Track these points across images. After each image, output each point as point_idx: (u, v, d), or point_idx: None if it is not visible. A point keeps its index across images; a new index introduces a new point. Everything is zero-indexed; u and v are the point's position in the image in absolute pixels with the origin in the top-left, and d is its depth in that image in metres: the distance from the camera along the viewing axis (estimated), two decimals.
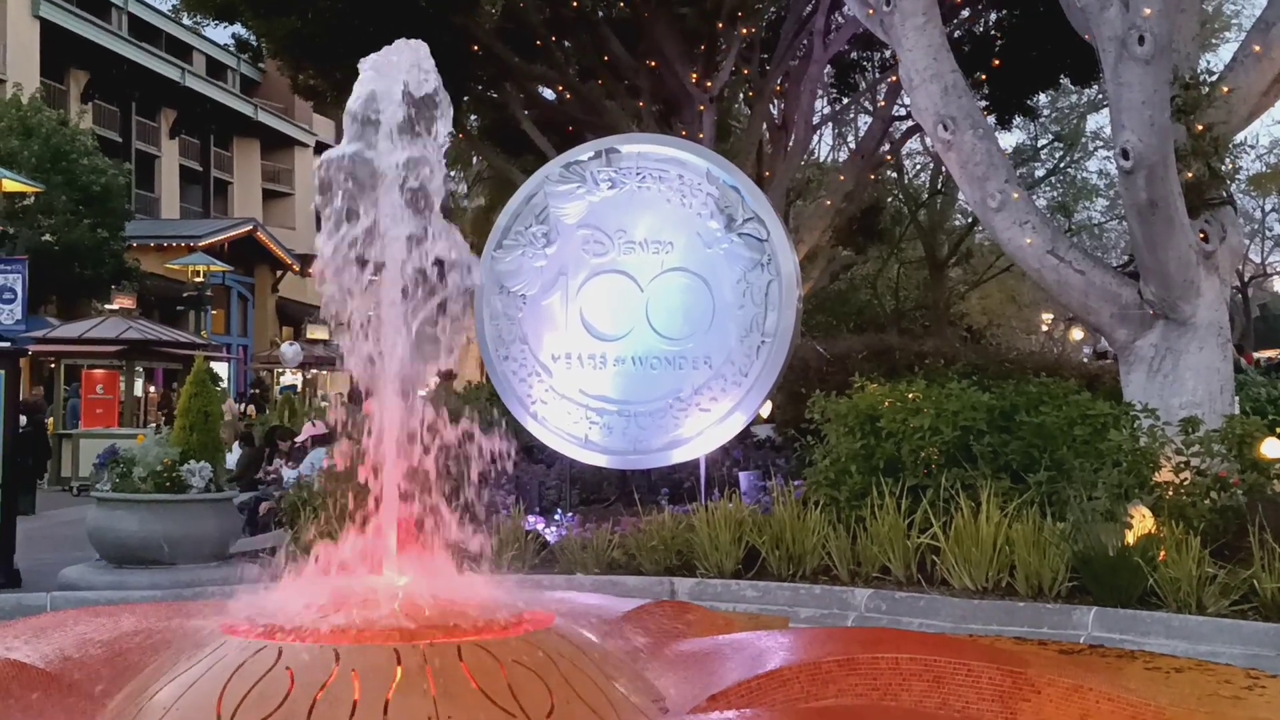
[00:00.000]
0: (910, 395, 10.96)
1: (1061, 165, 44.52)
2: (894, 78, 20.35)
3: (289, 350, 37.42)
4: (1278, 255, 50.80)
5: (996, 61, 22.16)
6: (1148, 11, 10.14)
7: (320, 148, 59.60)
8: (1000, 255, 34.38)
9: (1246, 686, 7.08)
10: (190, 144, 51.81)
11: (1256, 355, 35.93)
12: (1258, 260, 48.52)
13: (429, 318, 5.20)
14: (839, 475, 10.75)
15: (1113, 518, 9.13)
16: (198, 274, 35.59)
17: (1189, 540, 8.73)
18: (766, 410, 14.12)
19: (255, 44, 24.92)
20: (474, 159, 31.12)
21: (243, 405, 32.04)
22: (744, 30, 21.21)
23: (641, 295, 12.46)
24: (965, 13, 22.55)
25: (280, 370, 43.22)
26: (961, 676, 4.88)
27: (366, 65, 5.41)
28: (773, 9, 23.41)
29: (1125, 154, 10.31)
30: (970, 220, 38.15)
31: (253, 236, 45.44)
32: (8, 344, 12.27)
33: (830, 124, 34.52)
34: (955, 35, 20.89)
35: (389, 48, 5.41)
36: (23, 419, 15.45)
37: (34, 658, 5.03)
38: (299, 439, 16.69)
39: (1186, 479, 9.61)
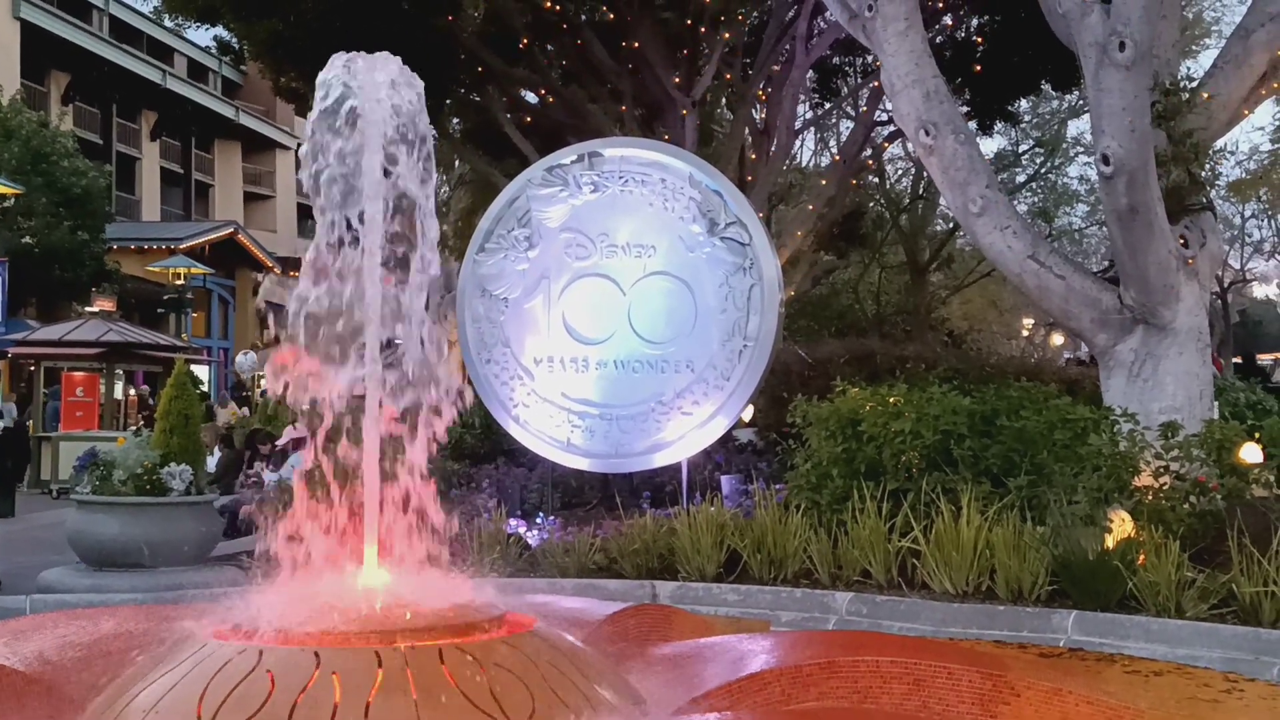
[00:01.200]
0: (891, 399, 10.97)
1: (1042, 171, 44.62)
2: (876, 83, 20.39)
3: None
4: (1257, 261, 50.98)
5: (978, 67, 22.25)
6: (1129, 18, 10.19)
7: None
8: (981, 260, 34.48)
9: (1225, 690, 7.13)
10: (171, 146, 51.67)
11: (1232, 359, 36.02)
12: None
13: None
14: (820, 479, 10.76)
15: (1092, 522, 9.15)
16: (178, 276, 35.49)
17: (1168, 544, 8.76)
18: (748, 414, 14.15)
19: (237, 46, 24.83)
20: (456, 162, 31.05)
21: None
22: (726, 35, 21.22)
23: (624, 299, 12.47)
24: (947, 18, 22.62)
25: (260, 374, 43.12)
26: (942, 679, 4.90)
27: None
28: (755, 14, 23.44)
29: (1106, 159, 10.36)
30: (951, 225, 38.20)
31: (234, 239, 45.30)
32: None
33: (812, 129, 34.56)
34: (937, 41, 20.94)
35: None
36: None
37: (13, 660, 5.01)
38: (280, 442, 16.65)
39: (1166, 483, 9.64)
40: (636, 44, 20.87)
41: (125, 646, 5.26)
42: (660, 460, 12.34)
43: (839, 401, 11.28)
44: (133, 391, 28.77)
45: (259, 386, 40.86)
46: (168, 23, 41.69)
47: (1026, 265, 11.64)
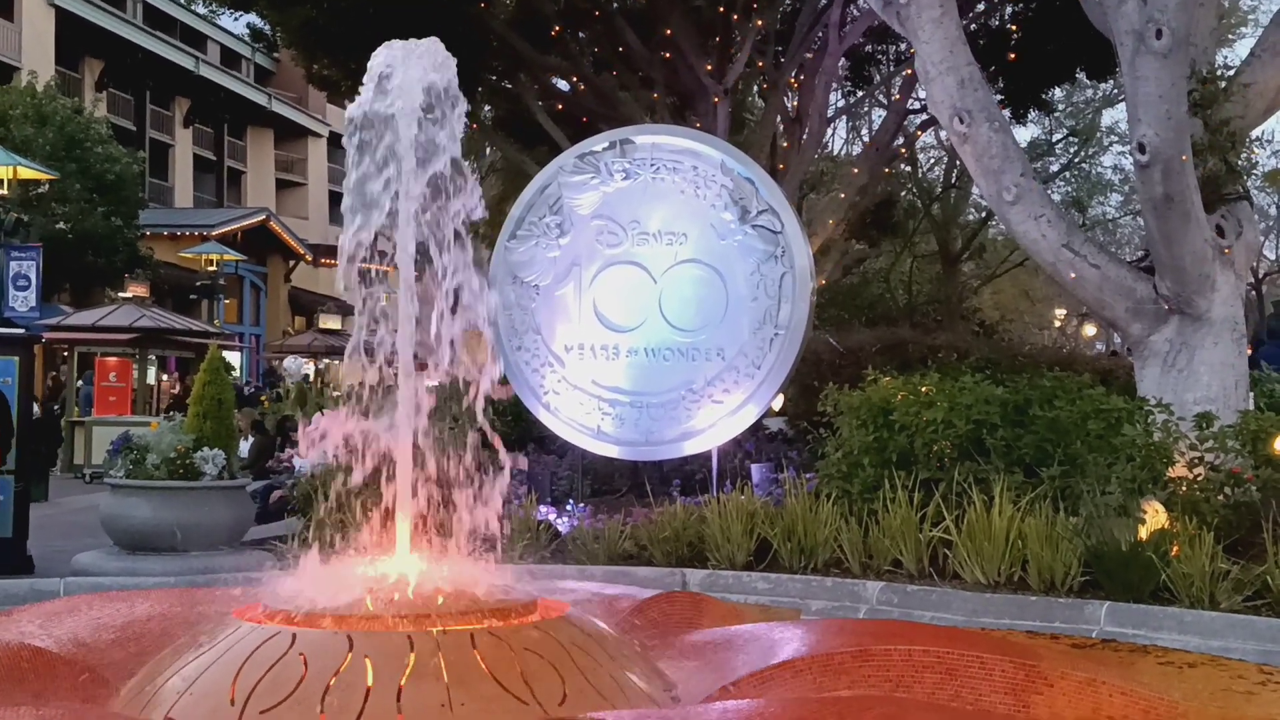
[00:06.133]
0: (923, 389, 10.92)
1: (1076, 160, 44.40)
2: (909, 71, 20.32)
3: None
4: None
5: (1012, 55, 22.11)
6: (1166, 5, 10.10)
7: (334, 138, 59.76)
8: (1014, 250, 34.34)
9: (1260, 682, 7.06)
10: (204, 133, 51.92)
11: None
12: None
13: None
14: (851, 468, 10.71)
15: (1126, 512, 9.09)
16: (211, 263, 35.67)
17: (1202, 535, 8.70)
18: (779, 403, 14.11)
19: (269, 33, 24.92)
20: (487, 149, 31.07)
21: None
22: (759, 22, 21.14)
23: (655, 286, 12.45)
24: (981, 6, 22.49)
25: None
26: (974, 669, 4.87)
27: None
28: (788, 1, 23.35)
29: (1142, 148, 10.28)
30: (984, 215, 38.06)
31: (266, 226, 45.52)
32: (22, 331, 12.28)
33: (845, 117, 34.50)
34: (971, 28, 20.80)
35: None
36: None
37: (47, 642, 5.05)
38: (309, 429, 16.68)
39: (1200, 474, 9.57)
40: (669, 31, 20.81)
41: (158, 629, 5.29)
42: (691, 448, 12.32)
43: (870, 390, 11.22)
44: (165, 378, 28.95)
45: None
46: (200, 9, 41.83)
47: (1060, 254, 11.56)
